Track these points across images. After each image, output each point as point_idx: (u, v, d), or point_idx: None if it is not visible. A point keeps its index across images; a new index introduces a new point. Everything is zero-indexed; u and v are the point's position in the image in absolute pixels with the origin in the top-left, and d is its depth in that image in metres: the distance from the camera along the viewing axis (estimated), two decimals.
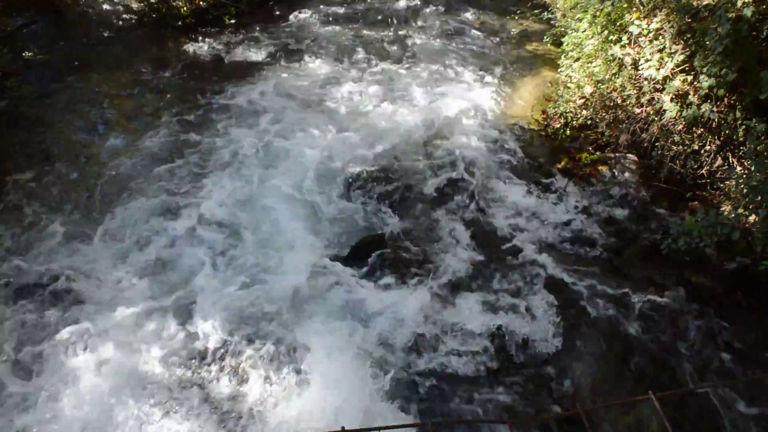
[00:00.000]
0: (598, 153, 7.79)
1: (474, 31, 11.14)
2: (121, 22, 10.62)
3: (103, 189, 7.02)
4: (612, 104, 7.59)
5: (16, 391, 4.99)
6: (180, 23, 10.56)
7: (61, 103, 8.31)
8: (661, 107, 6.93)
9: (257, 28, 10.84)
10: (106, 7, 10.86)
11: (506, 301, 5.93)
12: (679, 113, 6.69)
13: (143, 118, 8.25)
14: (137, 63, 9.52)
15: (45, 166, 7.23)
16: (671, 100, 6.75)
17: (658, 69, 6.88)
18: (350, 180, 7.34)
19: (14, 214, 6.58)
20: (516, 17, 11.37)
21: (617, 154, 7.68)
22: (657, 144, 7.16)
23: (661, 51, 6.96)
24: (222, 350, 5.39)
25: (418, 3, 12.17)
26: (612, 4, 7.68)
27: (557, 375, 5.33)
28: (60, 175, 7.14)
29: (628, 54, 7.34)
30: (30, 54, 9.28)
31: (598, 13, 7.88)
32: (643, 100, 7.18)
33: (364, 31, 10.95)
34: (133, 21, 10.67)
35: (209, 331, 5.51)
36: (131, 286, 5.91)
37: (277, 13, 11.55)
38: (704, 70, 6.23)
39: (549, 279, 6.15)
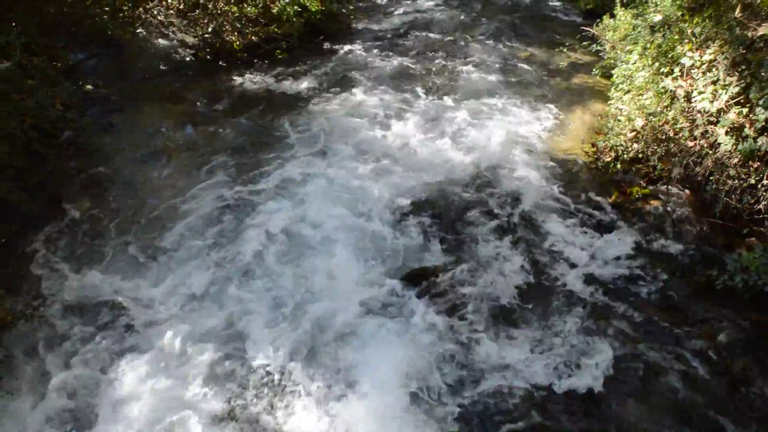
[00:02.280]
0: (649, 187, 7.62)
1: (522, 64, 11.14)
2: (176, 56, 10.97)
3: (156, 218, 7.18)
4: (664, 137, 7.44)
5: (60, 409, 5.10)
6: (233, 57, 10.83)
7: (118, 134, 8.59)
8: (716, 140, 6.76)
9: (307, 62, 11.06)
10: (162, 41, 11.24)
11: (552, 337, 5.80)
12: (734, 147, 6.51)
13: (196, 150, 8.44)
14: (191, 96, 9.80)
15: (100, 195, 7.45)
16: (726, 133, 6.58)
17: (711, 101, 6.74)
18: (398, 212, 7.35)
19: (69, 240, 6.77)
20: (564, 49, 11.34)
21: (670, 189, 7.51)
22: (711, 178, 6.96)
23: (714, 83, 6.83)
24: (268, 380, 5.40)
25: (466, 36, 12.26)
26: (663, 36, 7.60)
27: (603, 418, 5.16)
28: (114, 204, 7.34)
29: (681, 86, 7.21)
30: (90, 87, 9.65)
31: (648, 45, 7.81)
32: (697, 133, 7.02)
33: (412, 64, 11.06)
34: (188, 55, 11.01)
35: (256, 359, 5.54)
36: (180, 313, 6.00)
37: (327, 46, 11.78)
38: (761, 102, 6.07)
39: (598, 316, 6.00)
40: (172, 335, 5.74)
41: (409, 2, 14.21)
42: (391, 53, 11.56)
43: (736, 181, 6.71)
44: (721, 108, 6.69)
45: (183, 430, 4.99)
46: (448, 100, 9.81)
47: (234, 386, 5.36)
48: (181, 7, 10.90)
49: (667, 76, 7.44)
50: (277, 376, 5.43)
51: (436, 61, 11.22)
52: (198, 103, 9.61)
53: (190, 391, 5.27)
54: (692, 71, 7.12)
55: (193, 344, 5.68)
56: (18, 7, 7.58)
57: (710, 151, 6.93)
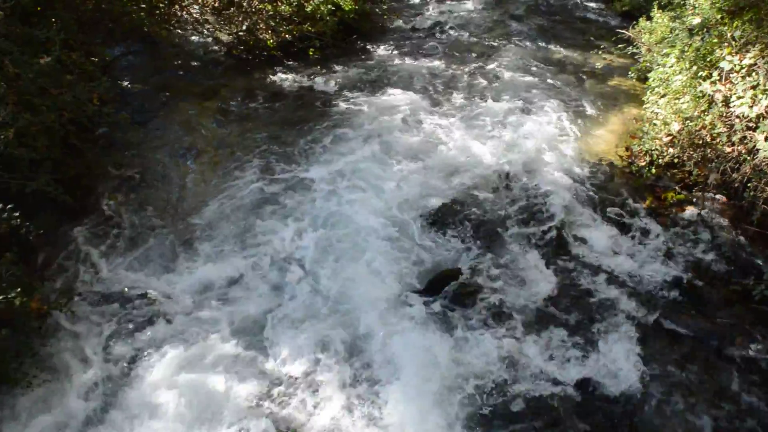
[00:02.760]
0: (684, 193, 7.50)
1: (556, 66, 11.04)
2: (211, 54, 11.08)
3: (188, 212, 7.27)
4: (701, 142, 7.31)
5: (93, 398, 5.20)
6: (267, 55, 10.91)
7: (153, 130, 8.71)
8: (755, 146, 6.62)
9: (340, 61, 11.09)
10: (197, 39, 11.36)
11: (583, 343, 5.74)
12: None
13: (229, 146, 8.52)
14: (225, 93, 9.89)
15: (134, 189, 7.56)
16: (765, 139, 6.44)
17: (751, 106, 6.61)
18: (428, 212, 7.33)
19: (103, 232, 6.89)
20: (599, 51, 11.21)
21: (705, 195, 7.38)
22: (749, 185, 6.81)
23: (754, 88, 6.69)
24: (296, 378, 5.43)
25: (500, 37, 12.18)
26: (702, 39, 7.47)
27: (636, 424, 5.09)
28: (148, 198, 7.44)
29: (719, 90, 7.08)
30: (126, 82, 9.79)
31: (686, 48, 7.68)
32: (735, 138, 6.88)
33: (445, 64, 11.02)
34: (222, 52, 11.11)
35: (285, 357, 5.58)
36: (210, 309, 6.06)
37: (360, 45, 11.80)
38: None
39: (630, 322, 5.92)
40: (203, 328, 5.81)
41: (443, 3, 14.16)
42: (424, 53, 11.54)
43: None
44: (761, 113, 6.56)
45: (212, 422, 5.04)
46: (481, 101, 9.75)
47: (263, 380, 5.41)
48: (217, 4, 11.00)
49: (705, 80, 7.31)
50: (305, 372, 5.46)
51: (470, 61, 11.17)
52: (231, 100, 9.69)
53: (220, 383, 5.33)
54: (731, 75, 6.99)
55: (223, 337, 5.74)
56: (58, 4, 7.71)
57: (748, 158, 6.79)
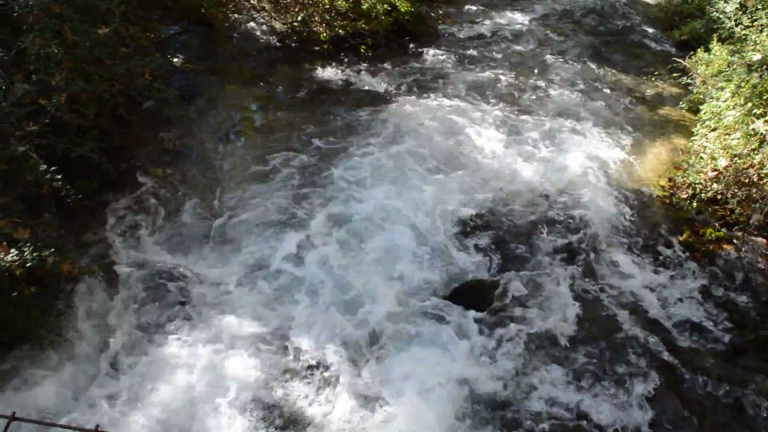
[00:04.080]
0: (724, 230, 7.34)
1: (607, 88, 10.88)
2: (263, 41, 11.19)
3: (226, 195, 7.36)
4: (747, 181, 7.14)
5: (112, 365, 5.32)
6: (318, 48, 10.96)
7: (199, 109, 8.83)
8: None
9: (390, 61, 11.09)
10: (252, 25, 11.47)
11: (602, 375, 5.66)
12: None
13: (272, 133, 8.60)
14: (273, 80, 9.97)
15: (175, 165, 7.70)
16: None
17: None
18: (462, 221, 7.30)
19: (142, 205, 7.04)
20: (652, 78, 11.01)
21: (746, 235, 7.21)
22: None
23: None
24: (313, 370, 5.48)
25: (552, 53, 12.05)
26: (760, 76, 7.30)
27: None
28: (187, 176, 7.57)
29: None
30: (178, 60, 9.94)
31: (743, 84, 7.50)
32: None
33: (494, 75, 10.94)
34: (275, 41, 11.20)
35: (305, 349, 5.64)
36: (236, 293, 6.14)
37: (411, 48, 11.78)
38: None
39: (653, 359, 5.82)
40: (227, 309, 5.88)
41: (498, 13, 14.06)
42: (474, 62, 11.47)
43: None
44: None
45: (222, 397, 5.11)
46: (526, 116, 9.66)
47: (275, 367, 5.47)
48: None
49: (758, 117, 7.14)
50: (321, 369, 5.50)
51: (520, 74, 11.07)
52: (279, 88, 9.77)
53: (235, 363, 5.41)
54: None
55: (244, 320, 5.80)
56: None
57: None
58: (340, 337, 5.76)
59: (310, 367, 5.49)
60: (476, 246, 6.99)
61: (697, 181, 7.65)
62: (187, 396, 5.13)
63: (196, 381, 5.25)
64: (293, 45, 11.07)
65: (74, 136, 6.12)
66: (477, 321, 6.05)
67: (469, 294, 6.29)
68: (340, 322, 5.91)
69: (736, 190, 7.29)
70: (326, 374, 5.43)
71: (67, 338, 5.35)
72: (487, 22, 13.54)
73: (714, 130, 7.90)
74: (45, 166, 5.33)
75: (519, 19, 13.83)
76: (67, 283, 5.70)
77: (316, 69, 10.52)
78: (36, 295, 5.07)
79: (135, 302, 5.91)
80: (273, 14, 11.19)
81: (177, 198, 7.20)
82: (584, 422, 5.24)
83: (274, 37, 11.29)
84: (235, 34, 11.20)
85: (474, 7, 14.34)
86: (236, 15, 11.32)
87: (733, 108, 7.57)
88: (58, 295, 5.53)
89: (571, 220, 7.43)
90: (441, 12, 13.37)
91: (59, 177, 5.36)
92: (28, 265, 4.80)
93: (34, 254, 4.84)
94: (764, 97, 7.21)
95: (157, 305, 5.89)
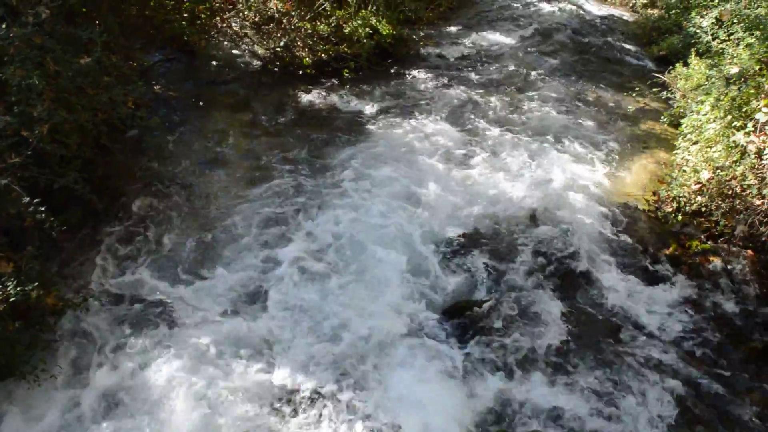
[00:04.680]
0: (710, 243, 7.38)
1: (588, 105, 11.00)
2: (246, 66, 11.22)
3: (210, 221, 7.32)
4: (730, 193, 7.22)
5: (98, 397, 5.23)
6: (301, 72, 11.01)
7: (183, 136, 8.81)
8: None
9: (374, 84, 11.16)
10: (235, 51, 11.51)
11: (592, 389, 5.63)
12: None
13: (256, 158, 8.58)
14: (257, 106, 9.98)
15: (160, 194, 7.64)
16: None
17: None
18: (448, 242, 7.30)
19: (125, 234, 6.97)
20: (633, 94, 11.15)
21: (731, 246, 7.25)
22: None
23: None
24: (298, 393, 5.41)
25: (534, 72, 12.19)
26: (738, 89, 7.41)
27: None
28: (171, 204, 7.51)
29: (753, 142, 7.00)
30: (161, 88, 9.94)
31: (722, 97, 7.62)
32: (765, 191, 6.79)
33: (477, 95, 11.03)
34: (258, 66, 11.24)
35: (289, 369, 5.56)
36: (224, 320, 6.07)
37: (394, 70, 11.87)
38: None
39: (642, 370, 5.81)
40: (212, 338, 5.81)
41: (479, 34, 14.22)
42: (456, 82, 11.57)
43: None
44: None
45: (214, 428, 5.03)
46: (509, 135, 9.73)
47: (265, 394, 5.38)
48: (257, 19, 11.16)
49: (739, 130, 7.23)
50: (308, 390, 5.42)
51: (502, 94, 11.17)
52: (263, 114, 9.78)
53: (221, 394, 5.32)
54: (766, 127, 6.91)
55: (230, 348, 5.74)
56: (103, 6, 7.87)
57: None
58: (328, 357, 5.71)
59: (293, 391, 5.41)
60: (463, 266, 6.98)
61: (681, 195, 7.72)
62: (179, 429, 5.05)
63: (187, 413, 5.16)
64: (276, 70, 11.10)
65: (57, 167, 6.07)
66: (467, 341, 6.02)
67: (459, 315, 6.27)
68: (325, 345, 5.85)
69: (719, 202, 7.36)
70: (314, 396, 5.36)
71: (53, 373, 5.26)
72: (468, 42, 13.69)
73: (695, 143, 8.00)
74: (28, 199, 5.26)
75: (500, 39, 14.00)
76: (52, 316, 5.62)
77: (300, 93, 10.55)
78: (20, 329, 4.99)
79: (121, 333, 5.83)
80: (255, 40, 11.24)
81: (162, 226, 7.15)
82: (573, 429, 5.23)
83: (257, 62, 11.33)
84: (218, 61, 11.23)
85: (454, 29, 14.51)
86: (219, 42, 11.35)
87: (714, 121, 7.67)
88: (43, 329, 5.44)
89: (557, 237, 7.45)
90: (422, 34, 13.51)
91: (42, 209, 5.28)
92: (11, 300, 4.74)
93: (18, 288, 4.77)
94: (743, 110, 7.31)
95: (144, 335, 5.81)
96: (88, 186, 6.06)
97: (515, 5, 16.44)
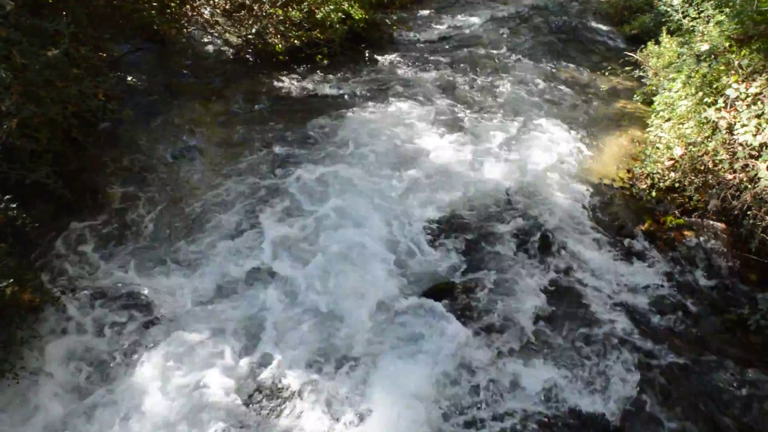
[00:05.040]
0: (684, 218, 7.48)
1: (563, 85, 11.05)
2: (218, 55, 11.12)
3: (185, 212, 7.27)
4: (702, 168, 7.31)
5: (79, 394, 5.18)
6: (274, 59, 10.93)
7: (156, 128, 8.72)
8: (756, 174, 6.62)
9: (347, 69, 11.12)
10: (206, 39, 11.40)
11: (573, 361, 5.72)
12: None
13: (230, 148, 8.53)
14: (230, 95, 9.90)
15: (134, 186, 7.56)
16: (767, 167, 6.44)
17: (755, 135, 6.61)
18: (425, 225, 7.31)
19: (100, 228, 6.89)
20: (606, 73, 11.22)
21: (705, 221, 7.36)
22: (749, 213, 6.81)
23: (759, 116, 6.70)
24: (284, 382, 5.41)
25: (508, 54, 12.21)
26: (709, 66, 7.48)
27: None
28: (146, 196, 7.44)
29: (723, 117, 7.09)
30: (132, 79, 9.81)
31: (693, 74, 7.69)
32: (737, 166, 6.88)
33: (451, 78, 11.04)
34: (230, 54, 11.14)
35: (274, 364, 5.55)
36: (203, 309, 6.05)
37: (368, 55, 11.83)
38: None
39: (621, 344, 5.89)
40: (193, 329, 5.79)
41: (451, 17, 14.20)
42: (431, 65, 11.56)
43: None
44: (764, 142, 6.56)
45: (197, 423, 5.01)
46: (485, 116, 9.76)
47: (250, 384, 5.38)
48: (227, 7, 11.04)
49: (710, 106, 7.31)
50: (293, 379, 5.43)
51: (476, 76, 11.19)
52: (236, 102, 9.71)
53: (208, 385, 5.31)
54: (736, 103, 7.00)
55: (212, 339, 5.72)
56: None
57: (749, 186, 6.78)
58: (311, 346, 5.72)
59: (278, 380, 5.42)
60: (442, 248, 7.01)
61: (654, 171, 7.80)
62: (163, 423, 5.03)
63: (170, 406, 5.14)
64: (249, 58, 11.02)
65: (28, 162, 5.98)
66: (448, 322, 6.05)
67: (438, 297, 6.30)
68: (308, 331, 5.86)
69: (692, 178, 7.45)
70: (297, 389, 5.36)
71: (31, 370, 5.21)
72: (441, 25, 13.68)
73: (668, 120, 8.08)
74: None
75: (472, 21, 14.00)
76: (29, 313, 5.55)
77: (274, 80, 10.48)
78: None
79: (100, 327, 5.78)
80: (227, 28, 11.13)
81: (136, 218, 7.09)
82: (562, 408, 5.28)
83: (230, 50, 11.23)
84: (189, 50, 11.10)
85: (427, 12, 14.48)
86: (189, 30, 11.21)
87: (685, 98, 7.75)
88: (21, 326, 5.38)
89: (533, 216, 7.50)
90: (395, 18, 13.47)
91: (14, 205, 5.22)
92: None
93: None
94: (714, 86, 7.39)
95: (122, 328, 5.78)
96: (60, 180, 5.99)
97: None
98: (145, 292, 6.17)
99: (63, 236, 6.68)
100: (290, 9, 10.93)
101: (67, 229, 6.76)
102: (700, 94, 7.50)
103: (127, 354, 5.56)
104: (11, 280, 4.89)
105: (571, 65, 11.94)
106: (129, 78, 9.80)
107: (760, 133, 6.58)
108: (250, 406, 5.23)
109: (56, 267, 6.33)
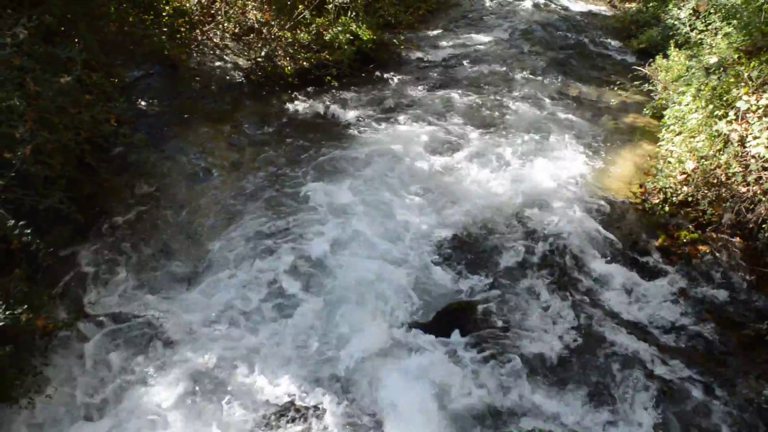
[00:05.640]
0: (698, 232, 7.41)
1: (572, 101, 11.04)
2: (228, 78, 11.19)
3: (198, 236, 7.29)
4: (715, 181, 7.26)
5: (91, 427, 5.17)
6: (283, 82, 11.00)
7: (168, 152, 8.77)
8: None
9: (356, 89, 11.16)
10: (216, 63, 11.48)
11: (590, 382, 5.66)
12: None
13: (243, 171, 8.55)
14: (241, 117, 9.96)
15: (147, 210, 7.60)
16: None
17: (767, 147, 6.57)
18: (438, 244, 7.29)
19: (114, 252, 6.92)
20: (615, 88, 11.21)
21: (719, 235, 7.29)
22: (764, 226, 6.75)
23: None
24: (292, 408, 5.38)
25: (516, 71, 12.22)
26: (718, 79, 7.46)
27: None
28: (160, 220, 7.47)
29: (735, 130, 7.05)
30: (143, 104, 9.90)
31: (702, 87, 7.67)
32: (750, 178, 6.83)
33: (460, 96, 11.06)
34: (240, 77, 11.21)
35: (282, 390, 5.54)
36: (215, 332, 6.05)
37: (376, 75, 11.87)
38: None
39: (639, 364, 5.82)
40: (206, 354, 5.77)
41: (459, 36, 14.27)
42: (439, 84, 11.60)
43: None
44: None
45: None
46: (495, 134, 9.75)
47: (257, 410, 5.35)
48: (237, 31, 11.15)
49: (721, 119, 7.28)
50: (303, 404, 5.40)
51: (485, 94, 11.20)
52: (247, 125, 9.76)
53: (218, 412, 5.29)
54: (747, 115, 6.96)
55: (224, 365, 5.71)
56: (81, 24, 7.84)
57: (764, 198, 6.73)
58: (318, 373, 5.69)
59: (288, 408, 5.39)
60: (455, 268, 6.98)
61: (667, 185, 7.75)
62: None
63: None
64: (259, 80, 11.09)
65: (42, 188, 6.02)
66: (461, 344, 6.01)
67: (452, 317, 6.26)
68: (316, 359, 5.83)
69: (705, 192, 7.40)
70: (304, 415, 5.33)
71: (47, 395, 5.21)
72: (448, 44, 13.73)
73: (679, 134, 8.04)
74: (13, 221, 5.22)
75: (480, 39, 14.04)
76: (42, 339, 5.57)
77: (283, 102, 10.54)
78: (11, 354, 4.94)
79: (113, 352, 5.79)
80: (236, 51, 11.23)
81: (150, 243, 7.11)
82: (570, 428, 5.22)
83: (239, 73, 11.31)
84: (199, 74, 11.18)
85: (435, 31, 14.54)
86: (200, 55, 11.32)
87: (696, 111, 7.72)
88: (34, 352, 5.39)
89: (546, 234, 7.47)
90: (403, 38, 13.52)
91: (28, 231, 5.25)
92: (0, 324, 4.69)
93: (7, 312, 4.72)
94: (724, 99, 7.36)
95: (135, 353, 5.78)
96: (73, 205, 6.02)
97: (494, 4, 16.51)
98: (158, 317, 6.17)
99: (77, 261, 6.71)
100: (299, 31, 11.03)
101: (81, 254, 6.80)
102: (711, 106, 7.47)
103: (141, 379, 5.55)
104: (25, 305, 4.90)
105: (580, 80, 11.94)
106: (141, 103, 9.89)
107: None
108: (259, 428, 5.20)
109: (71, 292, 6.36)
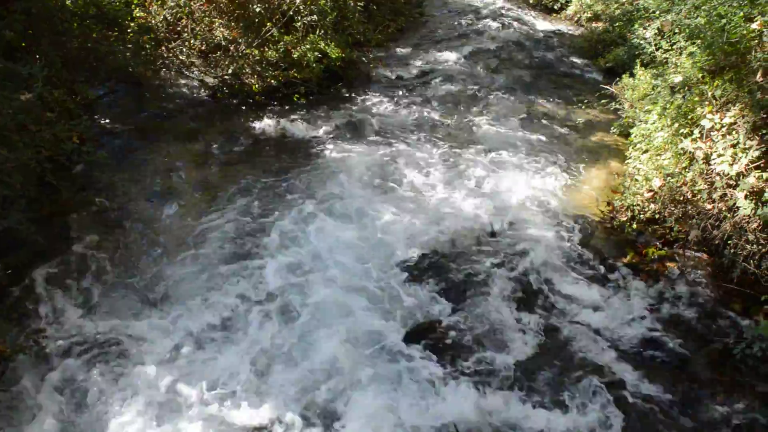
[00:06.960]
0: (665, 249, 7.47)
1: (540, 119, 11.14)
2: (195, 96, 11.07)
3: (162, 256, 7.13)
4: (682, 199, 7.34)
5: None
6: (251, 100, 10.92)
7: (132, 170, 8.60)
8: (735, 204, 6.66)
9: (325, 108, 11.11)
10: (182, 81, 11.34)
11: (559, 398, 5.62)
12: (753, 211, 6.41)
13: (208, 190, 8.42)
14: (207, 135, 9.82)
15: (109, 230, 7.42)
16: (745, 197, 6.48)
17: (731, 164, 6.67)
18: (407, 264, 7.24)
19: (75, 274, 6.72)
20: (583, 106, 11.34)
21: (686, 251, 7.36)
22: (729, 242, 6.83)
23: (734, 146, 6.77)
24: (265, 428, 5.25)
25: (485, 89, 12.31)
26: (683, 97, 7.58)
27: None
28: (122, 240, 7.30)
29: (700, 148, 7.15)
30: (107, 122, 9.72)
31: (668, 106, 7.78)
32: (715, 195, 6.92)
33: (429, 114, 11.09)
34: (207, 95, 11.10)
35: (252, 406, 5.42)
36: (181, 358, 5.89)
37: (345, 93, 11.85)
38: None
39: (608, 380, 5.81)
40: (173, 377, 5.62)
41: (428, 54, 14.34)
42: (409, 103, 11.61)
43: (755, 246, 6.57)
44: (741, 171, 6.61)
45: None
46: (464, 153, 9.77)
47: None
48: (203, 48, 11.05)
49: (686, 137, 7.39)
50: (273, 426, 5.27)
51: (454, 113, 11.25)
52: (213, 144, 9.63)
53: None
54: (712, 133, 7.07)
55: (188, 387, 5.56)
56: (43, 40, 7.69)
57: (729, 215, 6.82)
58: (291, 389, 5.58)
59: (262, 425, 5.27)
60: (425, 287, 6.92)
61: (634, 203, 7.82)
62: None
63: None
64: (226, 98, 10.98)
65: (0, 208, 5.86)
66: (432, 362, 5.94)
67: (422, 336, 6.20)
68: (286, 377, 5.72)
69: (672, 209, 7.47)
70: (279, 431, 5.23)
71: (1, 426, 5.02)
72: (418, 63, 13.79)
73: (646, 152, 8.14)
74: None
75: (449, 57, 14.13)
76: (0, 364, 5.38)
77: (251, 121, 10.44)
78: None
79: (74, 378, 5.59)
80: (203, 69, 11.12)
81: (111, 264, 6.93)
82: None
83: (206, 91, 11.19)
84: (165, 92, 11.04)
85: (404, 50, 14.60)
86: (166, 72, 11.17)
87: (662, 129, 7.83)
88: None
89: (516, 252, 7.47)
90: (372, 56, 13.55)
91: None
92: None
93: None
94: (689, 117, 7.47)
95: (98, 379, 5.59)
96: (33, 226, 5.87)
97: (463, 23, 16.66)
98: (118, 338, 6.01)
99: (37, 284, 6.49)
100: (266, 49, 10.95)
101: (41, 276, 6.58)
102: (676, 125, 7.58)
103: (102, 405, 5.37)
104: None
105: (548, 99, 12.06)
106: (104, 120, 9.71)
107: (736, 163, 6.64)
108: None
109: (29, 315, 6.15)
